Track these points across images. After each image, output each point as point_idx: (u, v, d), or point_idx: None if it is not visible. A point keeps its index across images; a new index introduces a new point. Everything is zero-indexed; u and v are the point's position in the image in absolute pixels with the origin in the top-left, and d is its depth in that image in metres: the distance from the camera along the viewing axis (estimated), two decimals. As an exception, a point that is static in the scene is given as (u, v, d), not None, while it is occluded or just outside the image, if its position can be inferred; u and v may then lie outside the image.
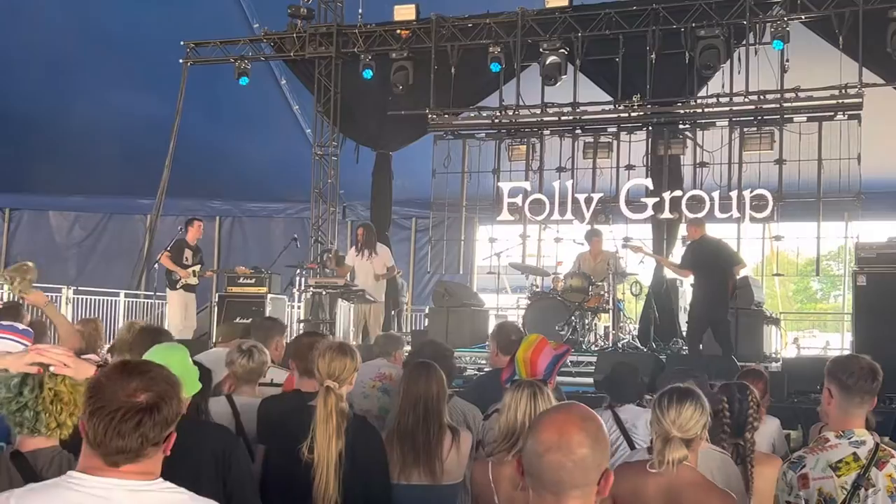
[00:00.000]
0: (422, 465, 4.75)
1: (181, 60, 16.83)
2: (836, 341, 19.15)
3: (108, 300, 16.71)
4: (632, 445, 5.90)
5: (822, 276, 30.03)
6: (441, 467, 4.77)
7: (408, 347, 13.77)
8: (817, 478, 3.88)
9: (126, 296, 16.98)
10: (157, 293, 15.01)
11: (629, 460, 4.42)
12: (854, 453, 3.89)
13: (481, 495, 4.40)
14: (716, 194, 13.78)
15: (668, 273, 14.34)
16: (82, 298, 16.23)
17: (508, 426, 4.26)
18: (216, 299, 14.77)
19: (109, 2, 17.08)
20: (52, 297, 15.52)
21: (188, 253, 13.80)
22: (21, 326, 5.24)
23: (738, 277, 12.20)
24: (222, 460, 4.07)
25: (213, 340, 12.09)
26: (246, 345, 5.74)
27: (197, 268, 13.84)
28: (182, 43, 16.89)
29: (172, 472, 2.61)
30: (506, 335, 6.59)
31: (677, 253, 14.77)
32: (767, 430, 5.99)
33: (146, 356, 3.99)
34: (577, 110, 15.01)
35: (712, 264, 11.66)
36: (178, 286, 13.71)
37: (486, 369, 9.83)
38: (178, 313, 13.72)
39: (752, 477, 4.46)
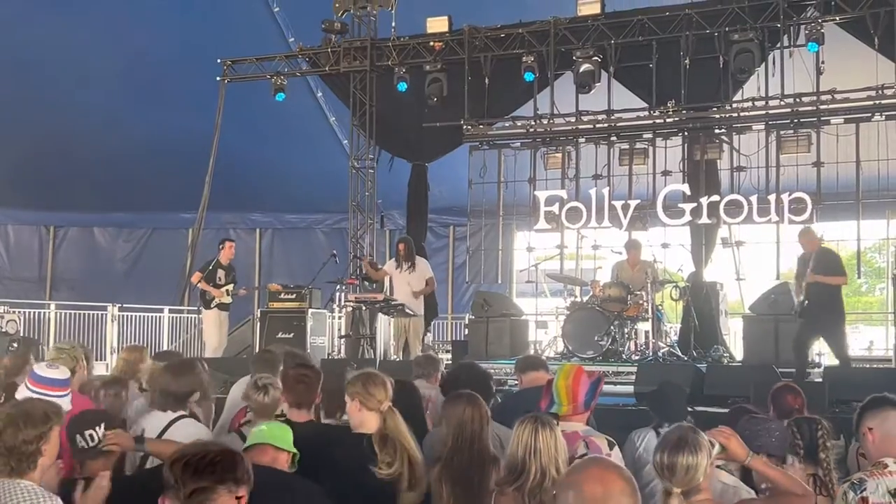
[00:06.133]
0: (472, 501, 4.81)
1: (218, 78, 17.05)
2: (880, 338, 18.93)
3: (152, 316, 16.94)
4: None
5: (866, 269, 29.77)
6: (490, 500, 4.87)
7: (446, 356, 14.08)
8: (877, 502, 3.99)
9: (170, 311, 17.19)
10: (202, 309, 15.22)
11: None
12: None
13: None
14: (754, 198, 13.75)
15: (708, 277, 14.36)
16: (127, 315, 16.48)
17: (511, 460, 4.36)
18: (258, 314, 14.90)
19: (146, 21, 17.32)
20: (97, 314, 15.87)
21: (221, 273, 14.01)
22: (53, 376, 5.31)
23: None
24: None
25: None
26: (262, 381, 5.82)
27: (230, 287, 14.04)
28: (219, 61, 17.10)
29: None
30: (524, 357, 6.84)
31: (717, 257, 14.82)
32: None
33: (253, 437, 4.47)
34: (612, 117, 15.01)
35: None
36: (212, 305, 13.95)
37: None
38: (214, 332, 13.97)
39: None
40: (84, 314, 16.16)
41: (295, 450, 4.45)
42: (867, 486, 4.03)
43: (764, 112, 14.13)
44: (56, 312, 16.08)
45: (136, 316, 16.71)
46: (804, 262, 11.51)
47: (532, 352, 12.78)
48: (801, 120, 13.99)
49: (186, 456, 2.76)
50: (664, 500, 3.77)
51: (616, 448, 5.28)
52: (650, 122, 14.85)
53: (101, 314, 16.15)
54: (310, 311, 14.20)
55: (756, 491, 4.43)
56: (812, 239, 11.73)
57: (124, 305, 16.64)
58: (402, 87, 15.85)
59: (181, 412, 5.39)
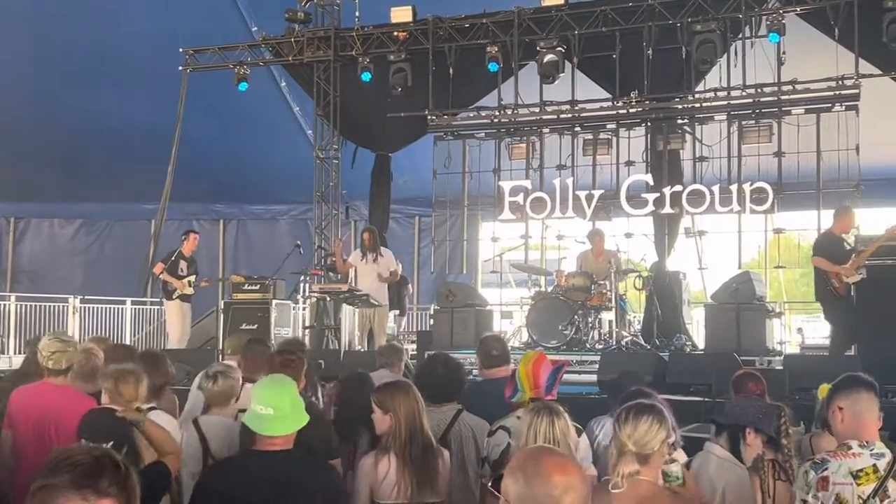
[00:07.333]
0: (430, 485, 4.92)
1: (180, 68, 16.90)
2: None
3: (115, 308, 16.80)
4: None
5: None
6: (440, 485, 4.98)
7: (411, 346, 14.06)
8: (838, 483, 4.03)
9: (133, 303, 17.06)
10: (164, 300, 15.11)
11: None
12: (874, 465, 4.05)
13: None
14: (716, 188, 13.82)
15: (671, 267, 14.48)
16: (89, 307, 16.32)
17: None
18: (221, 306, 14.82)
19: (108, 11, 17.13)
20: (58, 306, 15.71)
21: (183, 264, 13.98)
22: None
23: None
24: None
25: (220, 348, 12.25)
26: (213, 369, 5.87)
27: (192, 278, 14.00)
28: (181, 50, 16.95)
29: None
30: (486, 351, 6.54)
31: (679, 246, 14.93)
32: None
33: (258, 388, 4.26)
34: (576, 108, 15.07)
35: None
36: (174, 297, 13.91)
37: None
38: (177, 323, 13.93)
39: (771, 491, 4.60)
40: (45, 306, 15.98)
41: (304, 418, 4.28)
42: (829, 466, 4.08)
43: (726, 102, 14.22)
44: (17, 304, 15.88)
45: (98, 308, 16.55)
46: (840, 242, 11.36)
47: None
48: (763, 110, 14.10)
49: (56, 452, 2.52)
50: (617, 458, 3.82)
51: (584, 436, 5.36)
52: (613, 112, 14.91)
53: (63, 306, 16.00)
54: (274, 302, 14.17)
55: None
56: (853, 222, 11.75)
57: (86, 297, 16.49)
58: (367, 76, 15.80)
59: (153, 404, 5.37)
